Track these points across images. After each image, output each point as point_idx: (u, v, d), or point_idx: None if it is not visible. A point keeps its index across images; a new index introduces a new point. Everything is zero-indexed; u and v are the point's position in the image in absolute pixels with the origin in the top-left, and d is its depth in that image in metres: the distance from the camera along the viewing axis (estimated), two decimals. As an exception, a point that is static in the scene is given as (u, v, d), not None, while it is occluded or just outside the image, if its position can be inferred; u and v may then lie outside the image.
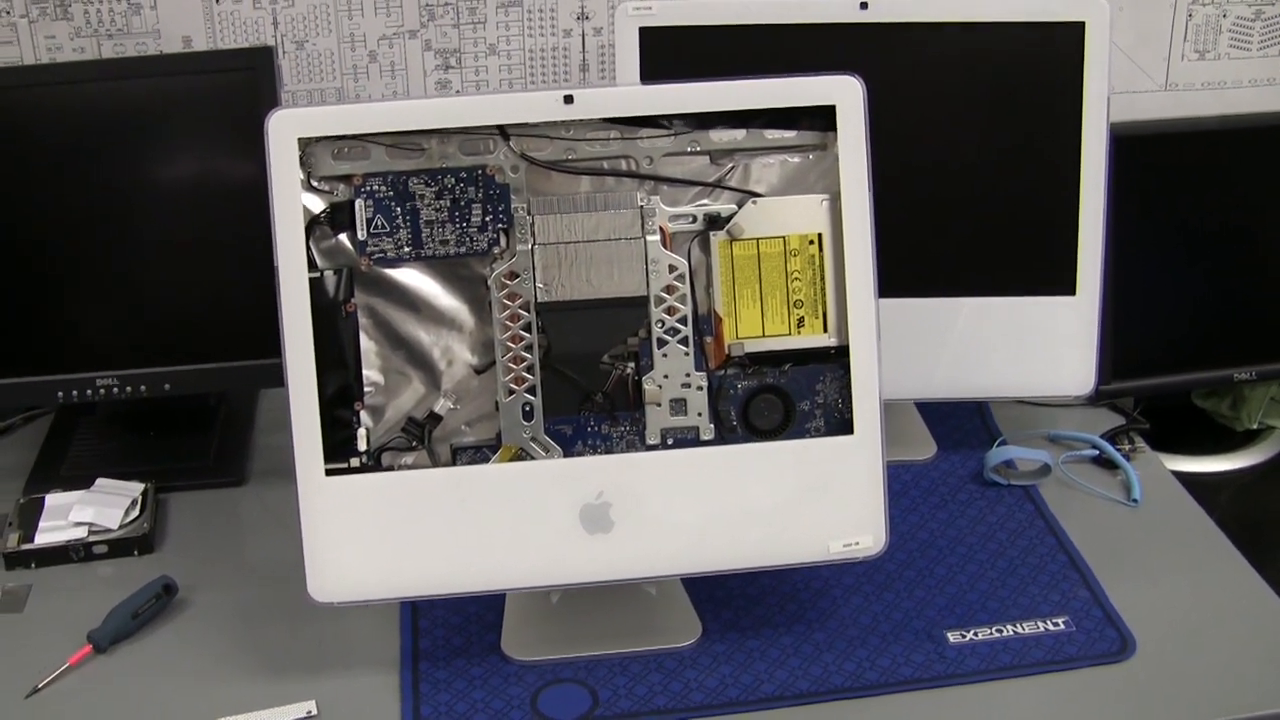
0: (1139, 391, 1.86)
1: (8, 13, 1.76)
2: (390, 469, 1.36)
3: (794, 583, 1.51)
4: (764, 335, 1.38)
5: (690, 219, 1.37)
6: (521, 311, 1.35)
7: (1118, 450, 1.74)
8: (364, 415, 1.35)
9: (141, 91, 1.62)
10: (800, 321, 1.37)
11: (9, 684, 1.37)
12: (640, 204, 1.35)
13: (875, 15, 1.60)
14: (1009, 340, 1.68)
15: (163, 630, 1.46)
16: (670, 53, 1.60)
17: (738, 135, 1.37)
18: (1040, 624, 1.45)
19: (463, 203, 1.34)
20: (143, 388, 1.68)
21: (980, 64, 1.63)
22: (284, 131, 1.30)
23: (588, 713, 1.34)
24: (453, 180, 1.34)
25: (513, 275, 1.34)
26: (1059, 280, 1.67)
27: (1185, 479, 1.72)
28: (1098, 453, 1.74)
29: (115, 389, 1.67)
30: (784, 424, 1.39)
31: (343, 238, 1.34)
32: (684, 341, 1.36)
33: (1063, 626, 1.44)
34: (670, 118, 1.35)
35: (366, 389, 1.35)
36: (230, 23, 1.81)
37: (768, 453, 1.37)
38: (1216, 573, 1.54)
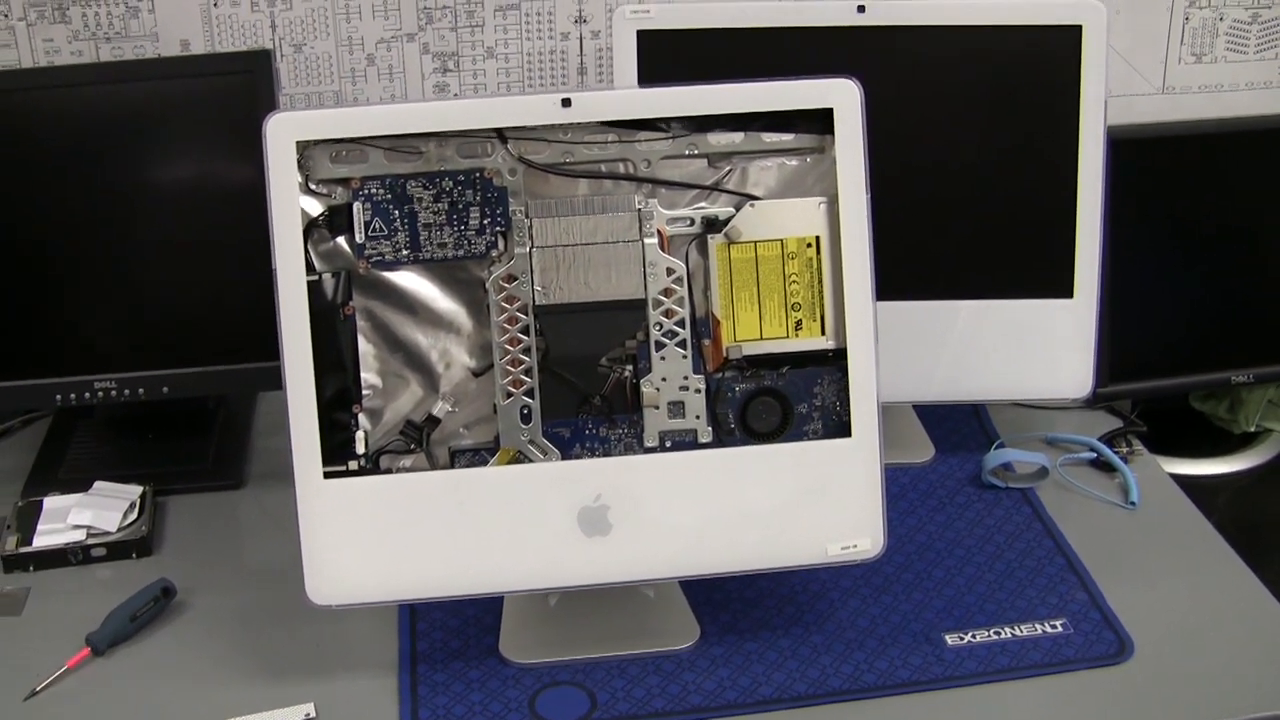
0: (1136, 394, 1.86)
1: (5, 16, 1.76)
2: (388, 472, 1.36)
3: (792, 585, 1.51)
4: (762, 338, 1.38)
5: (688, 222, 1.37)
6: (519, 314, 1.35)
7: (1115, 453, 1.74)
8: (362, 418, 1.36)
9: (139, 95, 1.62)
10: (798, 324, 1.38)
11: (7, 687, 1.37)
12: (638, 207, 1.35)
13: (872, 18, 1.61)
14: (1007, 343, 1.68)
15: (161, 633, 1.46)
16: (668, 56, 1.61)
17: (735, 138, 1.37)
18: (1038, 626, 1.45)
19: (461, 206, 1.34)
20: (141, 391, 1.68)
21: (977, 67, 1.64)
22: (282, 134, 1.30)
23: (586, 715, 1.34)
24: (450, 183, 1.34)
25: (511, 278, 1.35)
26: (1056, 283, 1.67)
27: (1183, 481, 1.72)
28: (1095, 455, 1.74)
29: (114, 392, 1.67)
30: (782, 427, 1.39)
31: (341, 241, 1.34)
32: (682, 344, 1.37)
33: (1060, 629, 1.45)
34: (668, 121, 1.36)
35: (365, 392, 1.36)
36: (228, 26, 1.81)
37: (765, 455, 1.37)
38: (1214, 575, 1.54)
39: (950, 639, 1.43)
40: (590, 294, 1.35)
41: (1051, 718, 1.35)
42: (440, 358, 1.36)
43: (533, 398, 1.36)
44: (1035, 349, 1.69)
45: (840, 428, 1.38)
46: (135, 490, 1.62)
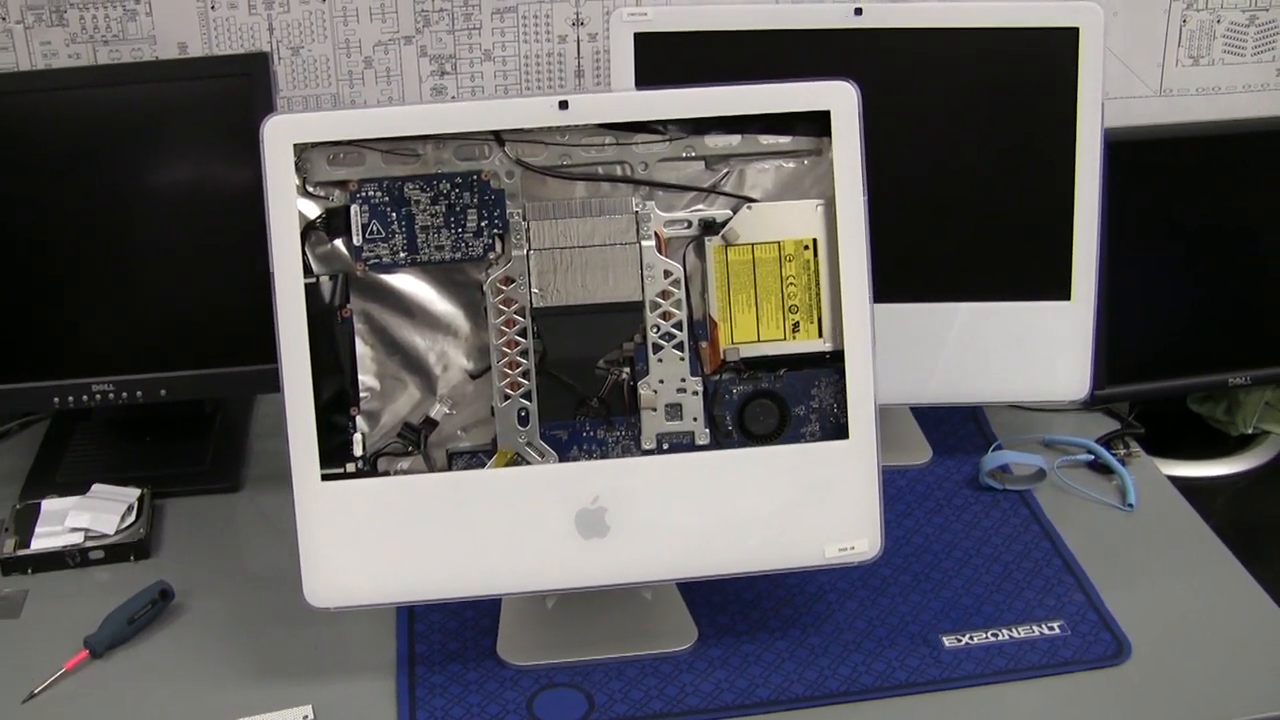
0: (1134, 396, 1.86)
1: (3, 19, 1.76)
2: (386, 474, 1.36)
3: (789, 587, 1.51)
4: (759, 340, 1.38)
5: (685, 224, 1.37)
6: (517, 317, 1.35)
7: (1113, 455, 1.74)
8: (360, 420, 1.36)
9: (137, 97, 1.62)
10: (795, 326, 1.38)
11: (6, 689, 1.37)
12: (635, 209, 1.36)
13: (869, 21, 1.61)
14: (1004, 345, 1.69)
15: (159, 635, 1.46)
16: (665, 58, 1.61)
17: (733, 141, 1.37)
18: (1035, 628, 1.45)
19: (458, 208, 1.34)
20: (139, 393, 1.68)
21: (975, 70, 1.64)
22: (279, 137, 1.30)
23: (583, 717, 1.34)
24: (448, 186, 1.34)
25: (508, 280, 1.35)
26: (1054, 285, 1.67)
27: (1180, 483, 1.72)
28: (1093, 457, 1.74)
29: (111, 395, 1.67)
30: (779, 429, 1.39)
31: (338, 243, 1.35)
32: (679, 347, 1.37)
33: (1058, 631, 1.45)
34: (665, 123, 1.36)
35: (362, 394, 1.36)
36: (225, 29, 1.81)
37: (763, 457, 1.37)
38: (1211, 577, 1.54)
39: (948, 641, 1.43)
40: (588, 296, 1.35)
41: (1049, 719, 1.35)
42: (438, 360, 1.36)
43: (530, 400, 1.36)
44: (1033, 351, 1.69)
45: (838, 430, 1.38)
46: (133, 493, 1.62)
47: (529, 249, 1.35)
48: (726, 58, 1.61)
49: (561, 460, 1.37)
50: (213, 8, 1.79)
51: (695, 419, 1.37)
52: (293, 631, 1.44)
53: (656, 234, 1.36)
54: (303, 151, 1.32)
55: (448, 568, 1.34)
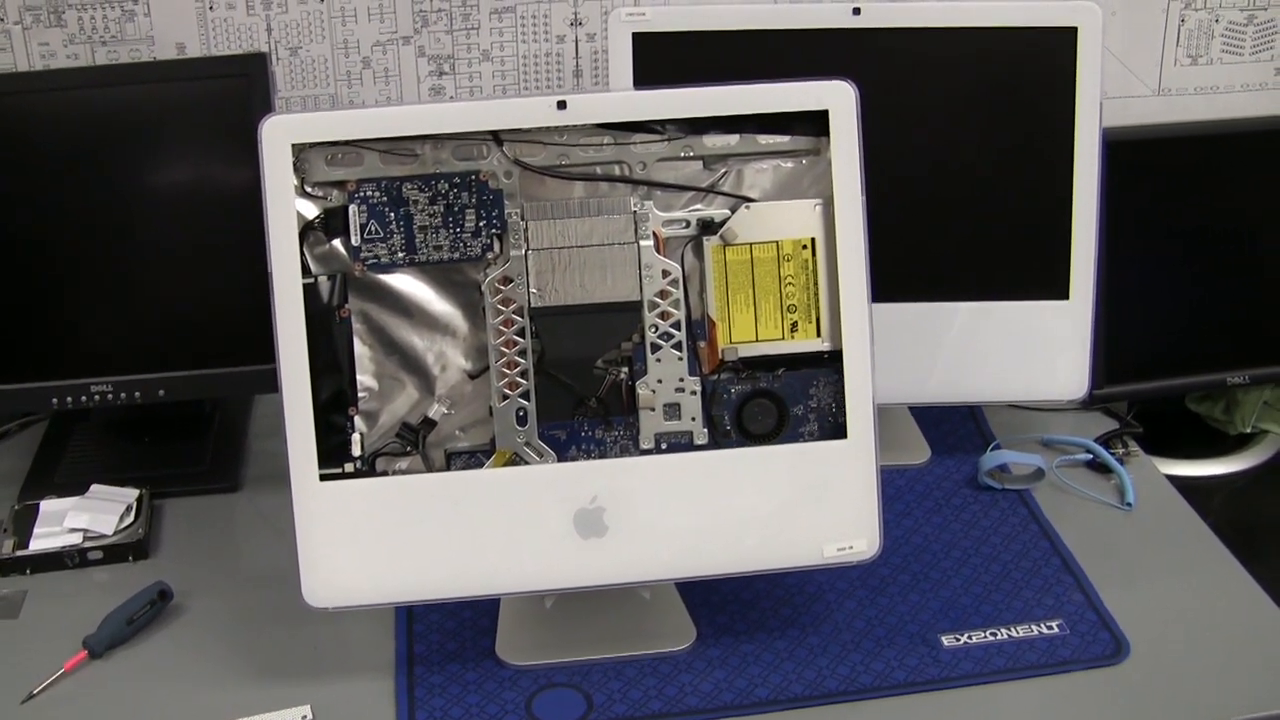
0: (1132, 396, 1.86)
1: (1, 20, 1.76)
2: (384, 474, 1.36)
3: (788, 587, 1.51)
4: (757, 340, 1.38)
5: (684, 224, 1.37)
6: (515, 316, 1.35)
7: (1111, 454, 1.74)
8: (358, 420, 1.36)
9: (135, 98, 1.62)
10: (794, 326, 1.38)
11: (4, 690, 1.37)
12: (633, 209, 1.36)
13: (868, 21, 1.61)
14: (1003, 345, 1.69)
15: (158, 636, 1.46)
16: (663, 58, 1.61)
17: (731, 140, 1.37)
18: (1034, 627, 1.45)
19: (456, 208, 1.34)
20: (137, 394, 1.68)
21: (973, 69, 1.64)
22: (278, 137, 1.30)
23: (582, 717, 1.34)
24: (446, 186, 1.34)
25: (506, 280, 1.35)
26: (1052, 285, 1.67)
27: (1179, 483, 1.73)
28: (1091, 457, 1.75)
29: (110, 395, 1.67)
30: (778, 428, 1.39)
31: (336, 243, 1.35)
32: (678, 346, 1.37)
33: (1057, 630, 1.45)
34: (663, 123, 1.36)
35: (360, 394, 1.36)
36: (224, 29, 1.81)
37: (761, 457, 1.37)
38: (1210, 576, 1.54)
39: (947, 640, 1.43)
40: (586, 296, 1.35)
41: (1048, 718, 1.35)
42: (436, 360, 1.36)
43: (528, 400, 1.36)
44: (1031, 350, 1.69)
45: (836, 429, 1.38)
46: (132, 493, 1.62)
47: (527, 249, 1.35)
48: (724, 57, 1.61)
49: (560, 460, 1.37)
50: (211, 8, 1.79)
51: (693, 419, 1.37)
52: (291, 631, 1.44)
53: (655, 234, 1.36)
54: (301, 152, 1.32)
55: (446, 568, 1.34)
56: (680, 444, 1.38)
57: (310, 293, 1.32)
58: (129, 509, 1.60)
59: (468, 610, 1.47)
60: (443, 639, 1.44)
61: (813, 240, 1.37)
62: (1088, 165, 1.64)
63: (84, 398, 1.67)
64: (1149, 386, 1.85)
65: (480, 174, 1.34)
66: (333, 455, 1.34)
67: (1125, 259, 1.77)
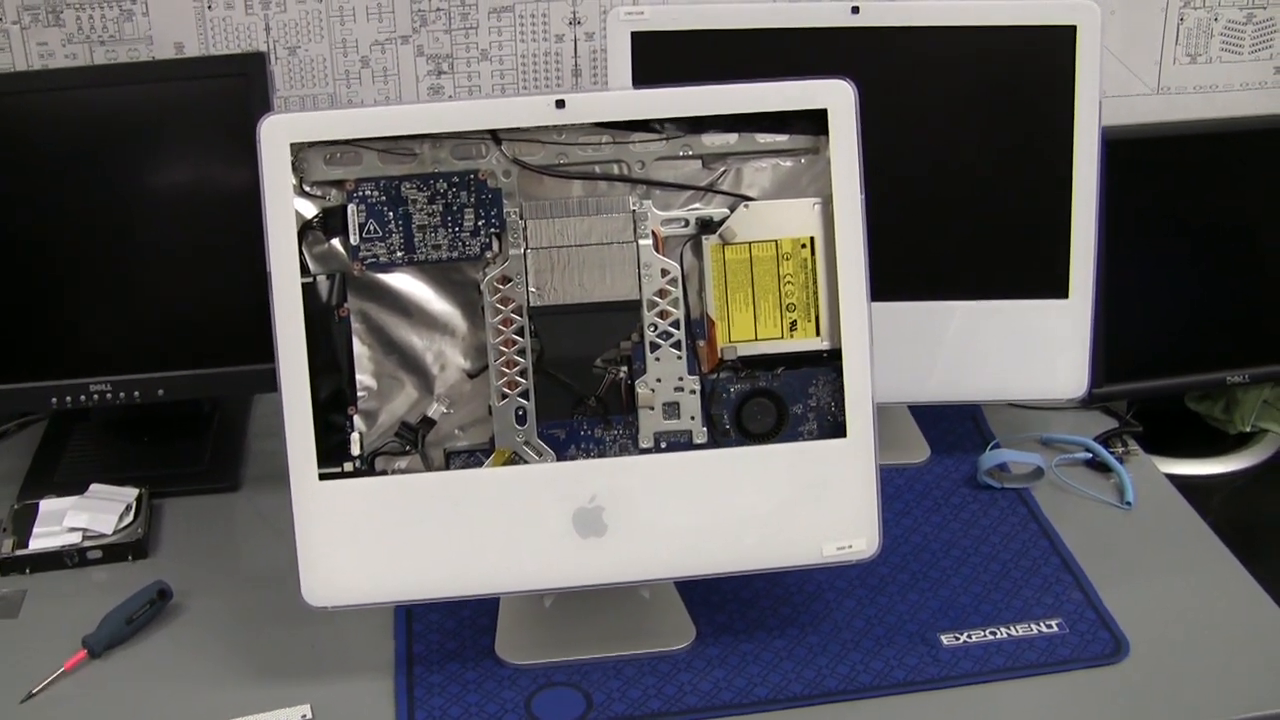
0: (1132, 394, 1.86)
1: None
2: (383, 473, 1.36)
3: (787, 586, 1.51)
4: (757, 339, 1.38)
5: (682, 223, 1.37)
6: (514, 316, 1.35)
7: (1111, 453, 1.74)
8: (357, 420, 1.36)
9: (134, 98, 1.62)
10: (793, 325, 1.38)
11: (4, 689, 1.37)
12: (632, 208, 1.36)
13: (867, 19, 1.61)
14: (1002, 343, 1.69)
15: (157, 635, 1.46)
16: (662, 57, 1.61)
17: (730, 139, 1.37)
18: (1034, 626, 1.45)
19: (455, 207, 1.34)
20: (137, 393, 1.68)
21: (972, 68, 1.64)
22: (276, 137, 1.30)
23: (581, 716, 1.34)
24: (445, 185, 1.34)
25: (505, 279, 1.35)
26: (1052, 283, 1.67)
27: (1178, 482, 1.73)
28: (1091, 456, 1.75)
29: (109, 394, 1.67)
30: (777, 427, 1.39)
31: (335, 243, 1.35)
32: (677, 345, 1.37)
33: (1056, 629, 1.45)
34: (662, 122, 1.36)
35: (360, 394, 1.36)
36: (222, 29, 1.81)
37: (761, 456, 1.37)
38: (1209, 575, 1.54)
39: (946, 639, 1.43)
40: (585, 295, 1.35)
41: (1047, 718, 1.35)
42: (435, 359, 1.36)
43: (528, 399, 1.36)
44: (1031, 349, 1.69)
45: (835, 428, 1.38)
46: (131, 493, 1.62)
47: (526, 248, 1.35)
48: (723, 56, 1.61)
49: (559, 459, 1.37)
50: (209, 8, 1.79)
51: (693, 418, 1.37)
52: (291, 631, 1.44)
53: (654, 233, 1.36)
54: (300, 151, 1.32)
55: (446, 567, 1.34)
56: (679, 443, 1.38)
57: (309, 292, 1.32)
58: (128, 508, 1.60)
59: (467, 609, 1.47)
60: (442, 638, 1.44)
61: (812, 239, 1.37)
62: (1087, 164, 1.64)
63: (83, 397, 1.67)
64: (1148, 385, 1.85)
65: (479, 173, 1.34)
66: (332, 455, 1.34)
67: (1124, 258, 1.77)
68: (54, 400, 1.67)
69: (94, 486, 1.63)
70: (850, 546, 1.37)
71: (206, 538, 1.62)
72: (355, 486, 1.34)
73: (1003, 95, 1.65)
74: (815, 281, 1.37)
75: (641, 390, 1.37)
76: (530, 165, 1.35)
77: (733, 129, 1.37)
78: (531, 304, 1.35)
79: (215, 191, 1.64)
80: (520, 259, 1.34)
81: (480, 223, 1.35)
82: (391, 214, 1.34)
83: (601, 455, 1.37)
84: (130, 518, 1.59)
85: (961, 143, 1.66)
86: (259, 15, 1.81)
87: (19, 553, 1.54)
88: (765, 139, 1.37)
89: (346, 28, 1.84)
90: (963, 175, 1.66)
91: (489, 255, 1.35)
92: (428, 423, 1.37)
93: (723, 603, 1.48)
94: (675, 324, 1.36)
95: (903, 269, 1.63)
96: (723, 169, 1.37)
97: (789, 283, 1.37)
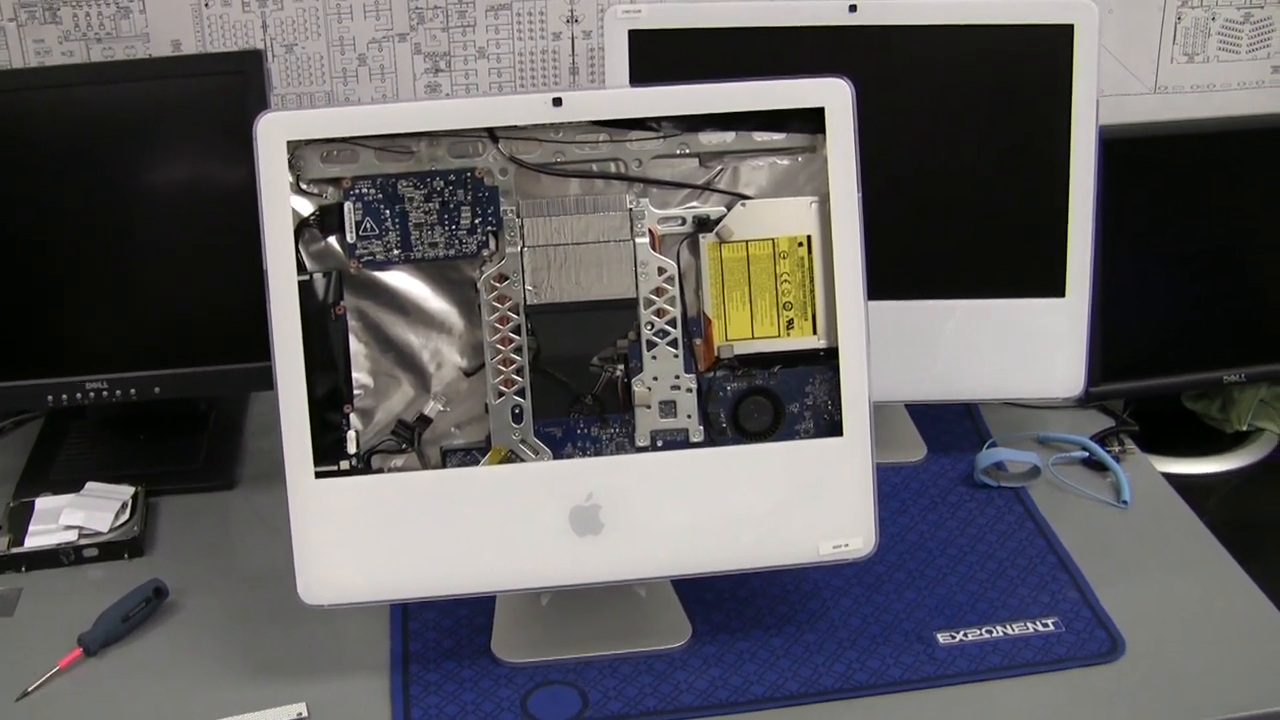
0: (1128, 393, 1.86)
1: (-3, 16, 1.76)
2: (380, 471, 1.36)
3: (784, 584, 1.51)
4: (753, 337, 1.38)
5: (679, 221, 1.37)
6: (511, 314, 1.35)
7: (1107, 452, 1.74)
8: (354, 418, 1.35)
9: (131, 95, 1.62)
10: (789, 323, 1.38)
11: (0, 687, 1.37)
12: (629, 206, 1.35)
13: (864, 18, 1.61)
14: (999, 342, 1.69)
15: (153, 633, 1.45)
16: (659, 55, 1.61)
17: (727, 138, 1.37)
18: (1030, 625, 1.45)
19: (452, 205, 1.34)
20: (133, 391, 1.68)
21: (969, 67, 1.64)
22: (273, 134, 1.30)
23: (578, 714, 1.34)
24: (441, 183, 1.34)
25: (502, 278, 1.35)
26: (1048, 282, 1.67)
27: (1175, 481, 1.73)
28: (1087, 454, 1.75)
29: (105, 392, 1.67)
30: (773, 426, 1.39)
31: (332, 240, 1.34)
32: (673, 344, 1.37)
33: (1052, 627, 1.45)
34: (659, 120, 1.36)
35: (356, 392, 1.35)
36: (219, 26, 1.81)
37: (757, 455, 1.37)
38: (1206, 574, 1.54)
39: (942, 638, 1.43)
40: (582, 293, 1.35)
41: (1043, 716, 1.35)
42: (432, 357, 1.36)
43: (524, 397, 1.36)
44: (1027, 348, 1.69)
45: (832, 427, 1.38)
46: (127, 491, 1.62)
47: (523, 246, 1.34)
48: (721, 55, 1.61)
49: (556, 457, 1.37)
50: (206, 5, 1.79)
51: (689, 416, 1.37)
52: (287, 629, 1.44)
53: (650, 231, 1.36)
54: (296, 149, 1.32)
55: (442, 565, 1.34)
56: (676, 441, 1.38)
57: (305, 290, 1.32)
58: (124, 506, 1.60)
59: (463, 608, 1.47)
60: (438, 636, 1.44)
61: (808, 238, 1.37)
62: (1084, 163, 1.64)
63: (79, 395, 1.67)
64: (1145, 384, 1.85)
65: (476, 171, 1.34)
66: (328, 453, 1.34)
67: (1121, 257, 1.77)
68: (50, 398, 1.67)
69: (90, 484, 1.63)
70: (847, 545, 1.37)
71: (202, 536, 1.62)
72: (351, 485, 1.34)
73: (1000, 94, 1.65)
74: (812, 280, 1.37)
75: (638, 389, 1.37)
76: (527, 163, 1.35)
77: (730, 127, 1.37)
78: (528, 302, 1.35)
79: (212, 189, 1.64)
80: (517, 257, 1.34)
81: (477, 221, 1.35)
82: (388, 212, 1.34)
83: (598, 453, 1.37)
84: (126, 516, 1.59)
85: (959, 141, 1.66)
86: (256, 13, 1.81)
87: (14, 551, 1.54)
88: (762, 137, 1.37)
89: (344, 25, 1.84)
90: (960, 174, 1.66)
91: (486, 253, 1.35)
92: (424, 421, 1.37)
93: (719, 601, 1.48)
94: (672, 322, 1.36)
95: (899, 268, 1.63)
96: (720, 167, 1.37)
97: (786, 281, 1.37)
